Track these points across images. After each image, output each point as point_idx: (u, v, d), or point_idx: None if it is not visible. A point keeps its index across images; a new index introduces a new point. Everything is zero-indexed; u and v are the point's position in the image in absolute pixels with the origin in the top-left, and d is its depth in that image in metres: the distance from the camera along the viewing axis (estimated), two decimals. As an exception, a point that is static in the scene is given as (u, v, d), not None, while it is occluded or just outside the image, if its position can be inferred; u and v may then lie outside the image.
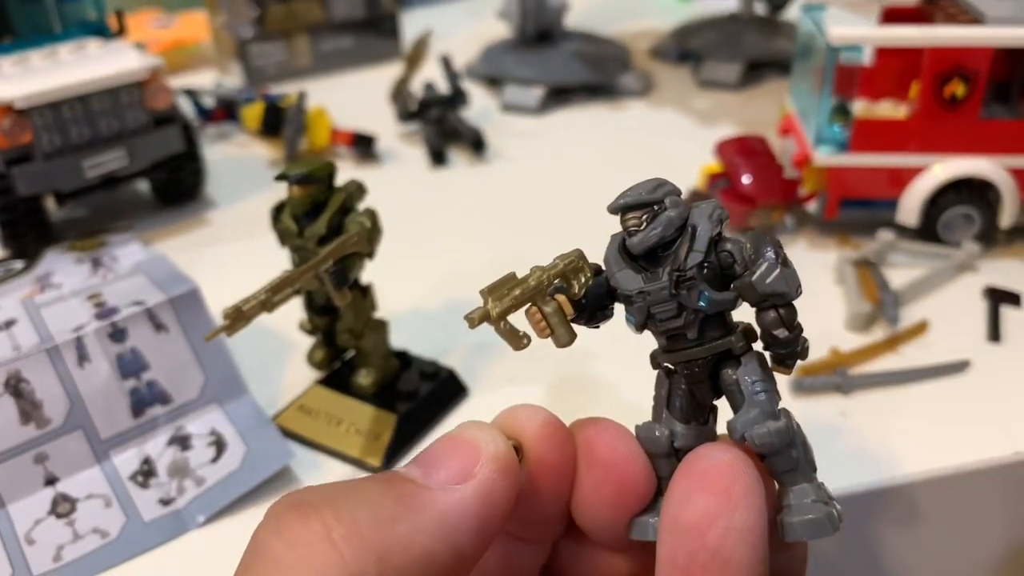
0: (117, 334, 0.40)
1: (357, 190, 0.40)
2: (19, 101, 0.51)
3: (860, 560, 0.40)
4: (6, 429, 0.38)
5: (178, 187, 0.60)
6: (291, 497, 0.20)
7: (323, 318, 0.42)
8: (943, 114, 0.50)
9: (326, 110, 0.66)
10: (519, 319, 0.23)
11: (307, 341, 0.45)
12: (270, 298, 0.35)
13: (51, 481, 0.39)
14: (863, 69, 0.53)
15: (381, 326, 0.42)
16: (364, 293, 0.41)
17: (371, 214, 0.39)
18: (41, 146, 0.53)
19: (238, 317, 0.34)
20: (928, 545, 0.41)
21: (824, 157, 0.52)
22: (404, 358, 0.44)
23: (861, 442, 0.40)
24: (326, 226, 0.39)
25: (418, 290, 0.51)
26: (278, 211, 0.41)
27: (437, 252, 0.55)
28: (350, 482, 0.21)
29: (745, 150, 0.54)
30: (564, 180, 0.64)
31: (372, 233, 0.39)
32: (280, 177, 0.39)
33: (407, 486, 0.21)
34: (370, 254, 0.39)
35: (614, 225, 0.24)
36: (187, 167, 0.59)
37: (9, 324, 0.42)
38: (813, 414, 0.42)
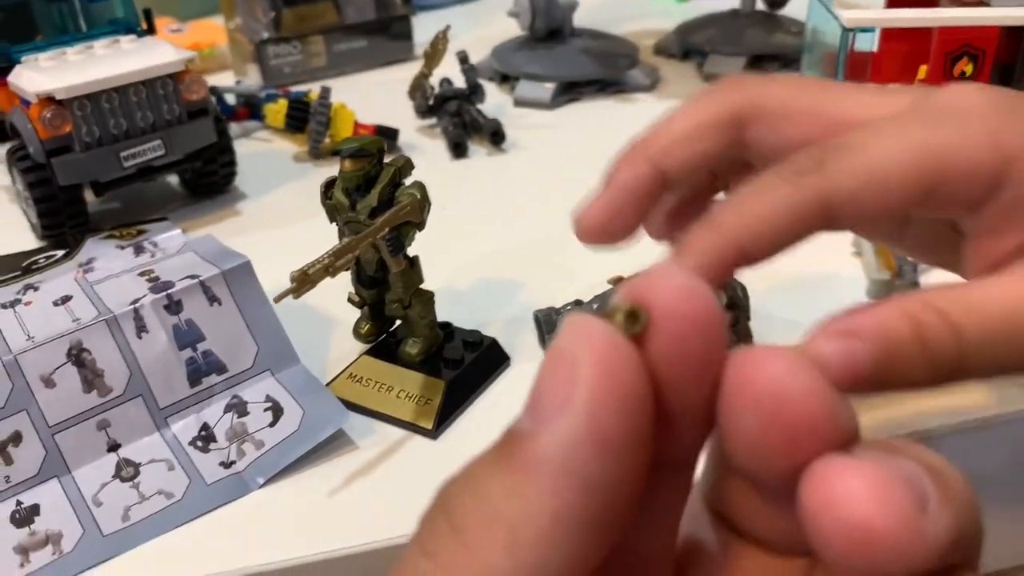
0: (173, 306, 0.42)
1: (406, 164, 0.42)
2: (59, 92, 0.53)
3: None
4: (70, 397, 0.39)
5: (210, 179, 0.61)
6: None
7: (371, 291, 0.44)
8: (953, 92, 0.52)
9: (347, 105, 0.68)
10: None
11: (350, 317, 0.46)
12: (333, 262, 0.37)
13: (114, 447, 0.40)
14: (872, 54, 0.56)
15: (428, 296, 0.44)
16: (412, 264, 0.43)
17: (421, 186, 0.41)
18: (80, 137, 0.54)
19: (304, 280, 0.36)
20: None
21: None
22: (447, 329, 0.45)
23: (887, 406, 0.42)
24: (378, 198, 0.40)
25: (449, 270, 0.53)
26: (328, 188, 0.42)
27: (465, 235, 0.57)
28: (472, 466, 0.17)
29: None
30: (580, 168, 0.65)
31: (423, 203, 0.40)
32: (334, 152, 0.40)
33: (515, 446, 0.17)
34: (421, 224, 0.41)
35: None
36: (219, 159, 0.60)
37: (65, 300, 0.43)
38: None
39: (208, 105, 0.58)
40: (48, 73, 0.54)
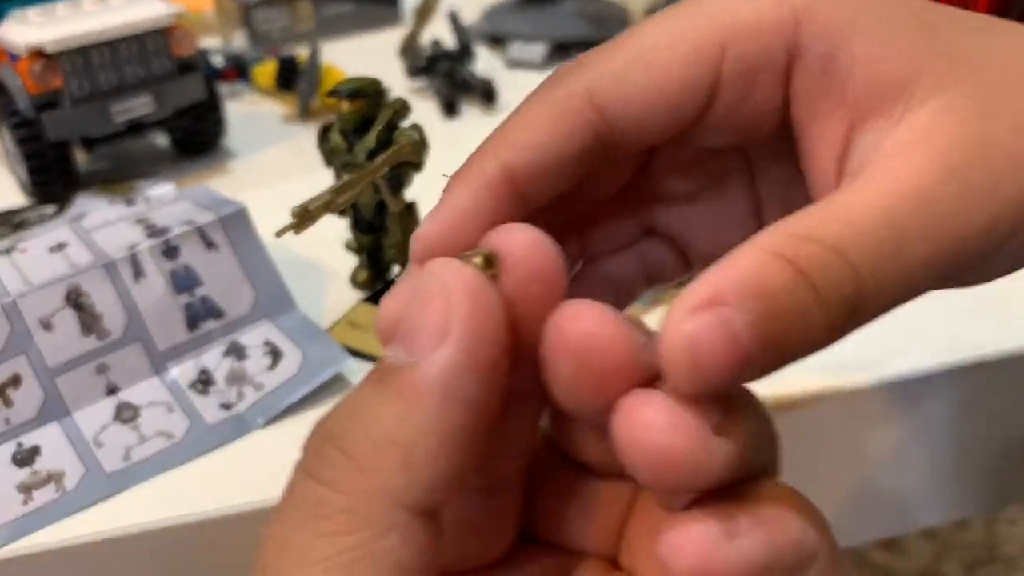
0: (170, 251, 0.42)
1: (403, 108, 0.42)
2: (50, 45, 0.52)
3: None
4: (69, 340, 0.39)
5: (199, 136, 0.61)
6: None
7: (368, 236, 0.44)
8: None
9: (336, 66, 0.68)
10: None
11: (345, 267, 0.46)
12: (334, 198, 0.37)
13: (112, 390, 0.40)
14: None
15: (424, 241, 0.44)
16: (410, 209, 0.43)
17: (419, 128, 0.41)
18: (70, 92, 0.54)
19: (305, 215, 0.36)
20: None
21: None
22: (444, 276, 0.46)
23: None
24: (375, 140, 0.40)
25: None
26: (325, 132, 0.42)
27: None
28: (353, 399, 0.20)
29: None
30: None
31: (422, 144, 0.40)
32: (332, 93, 0.40)
33: (396, 377, 0.18)
34: (420, 165, 0.41)
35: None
36: (209, 116, 0.60)
37: (61, 247, 0.43)
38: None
39: (198, 61, 0.58)
40: (38, 27, 0.53)
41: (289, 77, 0.66)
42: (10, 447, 0.38)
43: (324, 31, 0.83)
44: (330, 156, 0.42)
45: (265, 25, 0.80)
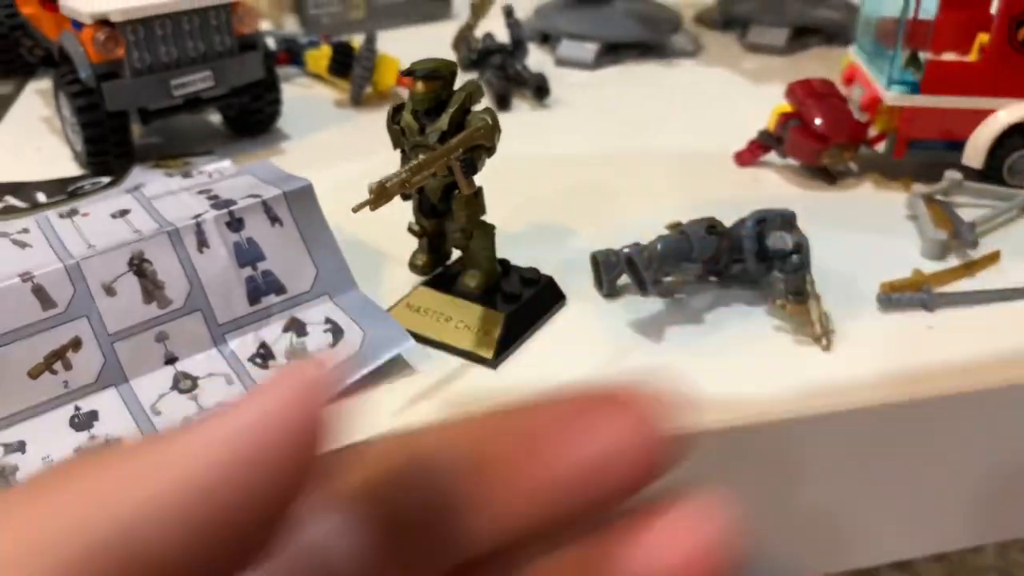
0: (234, 223, 0.41)
1: (476, 90, 0.41)
2: (115, 15, 0.52)
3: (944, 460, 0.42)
4: (130, 306, 0.39)
5: (255, 116, 0.61)
6: None
7: (432, 220, 0.43)
8: (1015, 58, 0.52)
9: (390, 55, 0.68)
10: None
11: (404, 251, 0.46)
12: (410, 177, 0.36)
13: (171, 360, 0.39)
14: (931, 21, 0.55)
15: (489, 229, 0.43)
16: (477, 195, 0.42)
17: (492, 112, 0.40)
18: (132, 62, 0.53)
19: (382, 192, 0.35)
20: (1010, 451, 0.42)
21: (896, 96, 0.54)
22: (504, 265, 0.45)
23: (948, 354, 0.42)
24: (448, 122, 0.40)
25: (501, 212, 0.52)
26: (396, 112, 0.42)
27: (513, 181, 0.56)
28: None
29: (815, 92, 0.56)
30: (625, 126, 0.66)
31: (495, 128, 0.40)
32: (407, 72, 0.40)
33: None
34: (492, 148, 0.40)
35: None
36: (266, 96, 0.60)
37: (123, 213, 0.42)
38: (901, 327, 0.43)
39: (258, 40, 0.58)
40: (101, -4, 0.53)
41: (344, 63, 0.66)
42: (68, 410, 0.37)
43: (375, 20, 0.82)
44: (400, 136, 0.42)
45: (316, 10, 0.80)
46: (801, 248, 0.42)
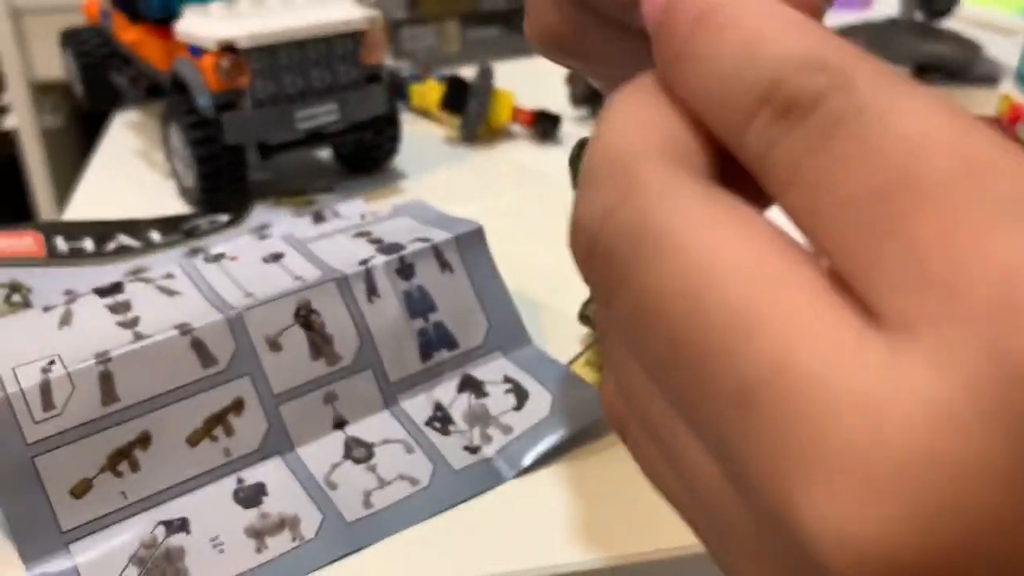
0: (405, 270, 0.37)
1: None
2: (242, 40, 0.48)
3: None
4: (297, 363, 0.34)
5: (371, 153, 0.57)
6: None
7: (615, 267, 0.39)
8: None
9: (506, 90, 0.64)
10: None
11: (567, 301, 0.42)
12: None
13: (340, 424, 0.35)
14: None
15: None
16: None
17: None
18: (254, 92, 0.50)
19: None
20: None
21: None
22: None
23: None
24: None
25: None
26: (580, 148, 0.38)
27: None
28: None
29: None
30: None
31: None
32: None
33: None
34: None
35: None
36: (386, 131, 0.56)
37: (277, 257, 0.38)
38: None
39: (382, 72, 0.54)
40: (226, 21, 0.49)
41: (459, 97, 0.62)
42: (230, 482, 0.33)
43: (470, 54, 0.79)
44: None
45: (411, 43, 0.76)
46: None
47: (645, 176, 0.14)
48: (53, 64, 1.26)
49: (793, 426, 0.11)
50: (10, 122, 1.34)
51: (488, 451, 0.34)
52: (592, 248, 0.14)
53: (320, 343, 0.35)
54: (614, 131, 0.15)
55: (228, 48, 0.48)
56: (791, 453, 0.11)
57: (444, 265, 0.38)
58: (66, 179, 1.37)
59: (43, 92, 1.32)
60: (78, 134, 1.46)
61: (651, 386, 0.14)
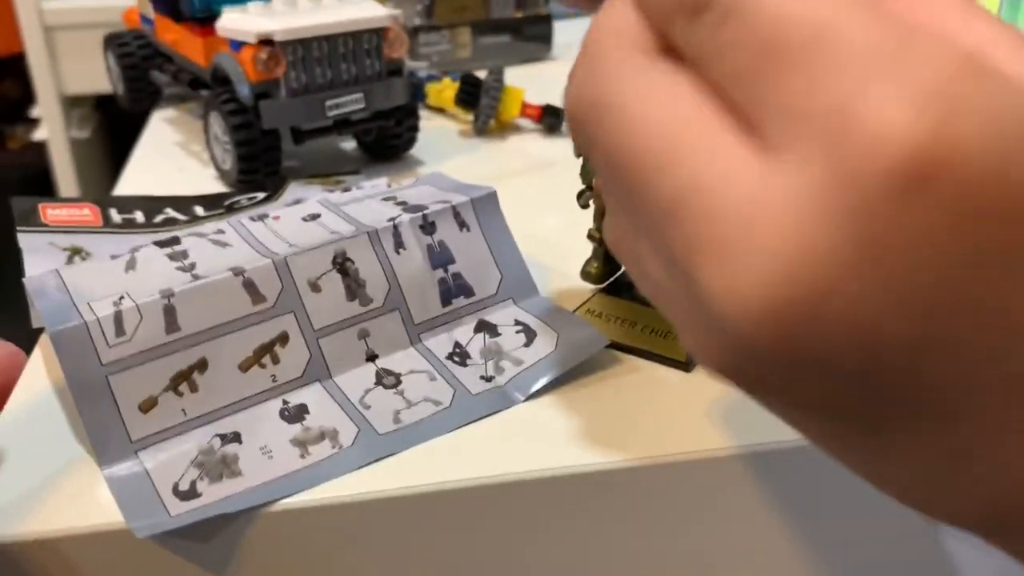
0: (428, 226, 0.42)
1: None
2: (279, 34, 0.54)
3: None
4: (334, 303, 0.39)
5: (392, 141, 0.62)
6: None
7: (613, 227, 0.44)
8: None
9: (516, 87, 0.69)
10: None
11: (569, 263, 0.46)
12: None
13: (372, 357, 0.40)
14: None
15: (671, 236, 0.44)
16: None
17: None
18: (289, 82, 0.55)
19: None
20: None
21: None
22: (679, 274, 0.45)
23: None
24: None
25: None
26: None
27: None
28: None
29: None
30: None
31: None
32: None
33: None
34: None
35: None
36: (406, 121, 0.61)
37: (314, 217, 0.43)
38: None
39: (403, 65, 0.59)
40: (264, 17, 0.55)
41: (472, 94, 0.67)
42: (277, 403, 0.37)
43: (480, 59, 0.84)
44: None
45: (426, 47, 0.82)
46: None
47: (604, 58, 0.19)
48: (82, 78, 1.33)
49: (702, 224, 0.16)
50: (41, 134, 1.40)
51: (501, 380, 0.39)
52: (573, 115, 0.19)
53: (354, 287, 0.40)
54: (594, 27, 0.20)
55: (266, 42, 0.54)
56: (701, 244, 0.16)
57: (462, 224, 0.43)
58: (94, 187, 1.42)
59: (72, 105, 1.38)
60: (105, 145, 1.52)
61: (624, 217, 0.20)
